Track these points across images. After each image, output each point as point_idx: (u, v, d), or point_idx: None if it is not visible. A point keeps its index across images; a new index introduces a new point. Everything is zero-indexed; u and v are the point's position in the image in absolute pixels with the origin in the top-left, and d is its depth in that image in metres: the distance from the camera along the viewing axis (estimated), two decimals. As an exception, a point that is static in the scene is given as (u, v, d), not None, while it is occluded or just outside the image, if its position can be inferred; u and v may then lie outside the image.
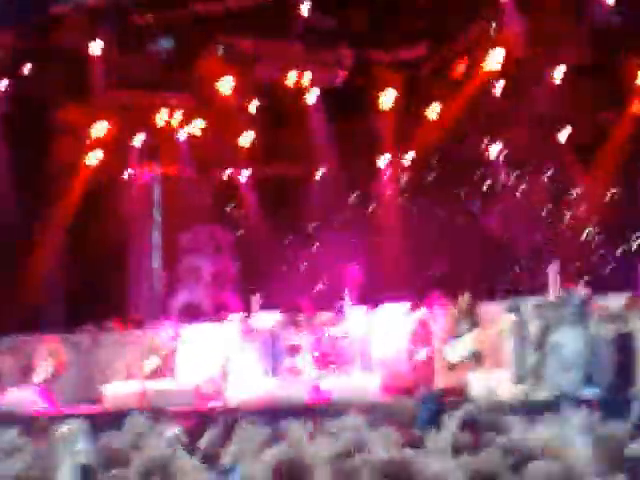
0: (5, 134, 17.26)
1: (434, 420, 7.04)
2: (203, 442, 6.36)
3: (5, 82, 17.29)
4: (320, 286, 17.75)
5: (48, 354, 14.33)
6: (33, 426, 11.35)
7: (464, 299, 12.52)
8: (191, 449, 6.48)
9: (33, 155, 17.06)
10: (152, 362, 14.26)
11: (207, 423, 10.30)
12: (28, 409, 13.14)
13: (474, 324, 12.24)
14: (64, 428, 5.18)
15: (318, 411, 10.33)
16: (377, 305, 14.26)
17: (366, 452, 4.79)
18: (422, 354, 13.00)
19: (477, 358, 12.15)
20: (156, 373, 14.18)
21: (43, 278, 17.14)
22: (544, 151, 16.92)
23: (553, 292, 13.25)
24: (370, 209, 18.31)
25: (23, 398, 13.65)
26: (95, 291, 16.41)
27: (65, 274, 17.58)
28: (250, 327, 14.53)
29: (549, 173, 17.04)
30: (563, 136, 16.81)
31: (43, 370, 14.17)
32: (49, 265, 17.34)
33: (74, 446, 4.76)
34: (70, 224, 17.45)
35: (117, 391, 13.72)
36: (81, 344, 15.01)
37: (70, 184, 17.49)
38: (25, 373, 14.36)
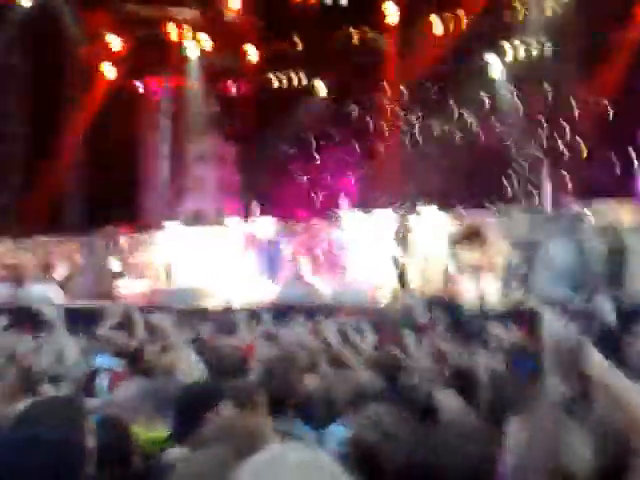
0: (24, 44, 17.69)
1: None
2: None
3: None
4: (318, 195, 18.29)
5: (66, 254, 15.07)
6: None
7: (461, 210, 12.66)
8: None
9: (51, 64, 17.43)
10: (116, 264, 14.93)
11: (204, 320, 11.11)
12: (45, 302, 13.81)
13: (471, 235, 12.15)
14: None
15: (315, 313, 10.08)
16: (371, 212, 14.58)
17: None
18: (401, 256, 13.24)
19: (473, 268, 12.03)
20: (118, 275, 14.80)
21: (61, 184, 17.68)
22: (543, 65, 17.00)
23: (547, 205, 13.59)
24: (370, 122, 18.55)
25: (42, 293, 14.05)
26: (108, 197, 16.80)
27: (81, 181, 18.15)
28: (250, 233, 15.18)
29: (548, 87, 17.07)
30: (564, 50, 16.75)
31: (61, 268, 14.95)
32: (66, 172, 17.88)
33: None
34: (86, 133, 17.94)
35: (128, 290, 14.26)
36: (95, 246, 15.67)
37: (85, 94, 17.92)
38: (45, 270, 15.19)
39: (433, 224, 13.86)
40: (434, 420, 3.50)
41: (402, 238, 12.75)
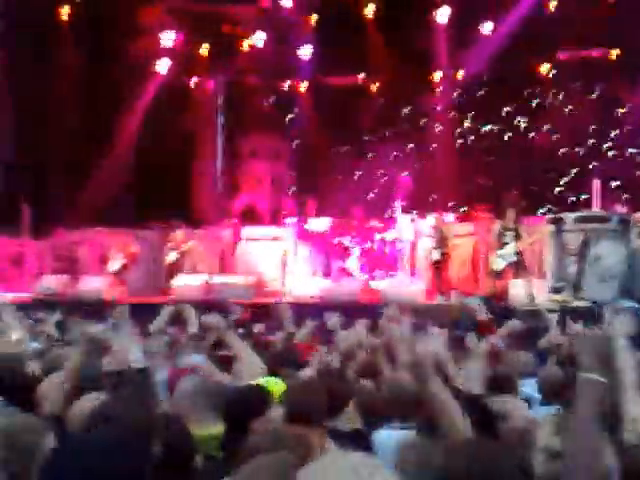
0: (78, 39, 17.98)
1: (475, 325, 7.59)
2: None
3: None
4: (372, 194, 18.27)
5: (120, 247, 15.26)
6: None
7: (509, 212, 12.64)
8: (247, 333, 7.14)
9: (106, 58, 17.68)
10: (171, 257, 14.95)
11: (262, 315, 11.19)
12: (100, 296, 13.83)
13: (517, 236, 12.35)
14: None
15: (368, 309, 10.24)
16: (425, 213, 14.81)
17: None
18: (436, 254, 13.49)
19: (519, 267, 12.28)
20: (174, 267, 14.78)
21: (115, 178, 17.91)
22: (593, 70, 16.96)
23: (595, 208, 13.68)
24: (422, 122, 18.60)
25: (97, 286, 14.35)
26: (162, 192, 16.89)
27: (135, 175, 18.38)
28: (305, 230, 15.29)
29: (597, 92, 17.17)
30: (612, 56, 16.85)
31: (116, 261, 15.15)
32: (121, 166, 18.12)
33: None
34: (139, 127, 18.14)
35: (183, 283, 14.21)
36: (149, 239, 15.91)
37: (140, 88, 18.14)
38: (100, 263, 15.34)
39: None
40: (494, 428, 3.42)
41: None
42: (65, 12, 18.06)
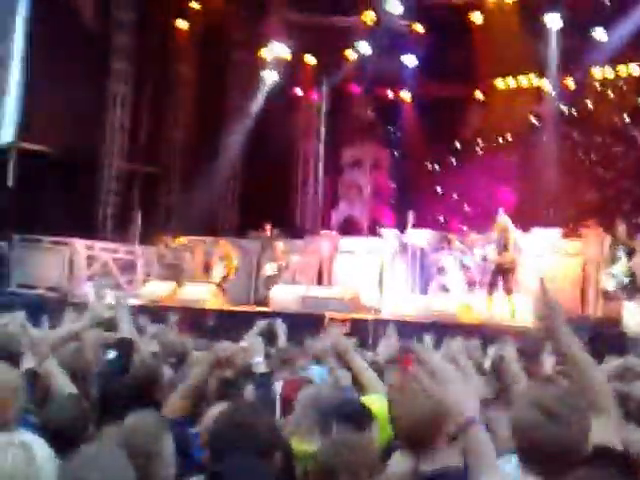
0: (189, 53, 18.44)
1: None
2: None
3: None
4: (472, 208, 18.02)
5: (222, 256, 15.50)
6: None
7: (621, 227, 12.09)
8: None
9: (215, 70, 18.05)
10: (271, 268, 15.10)
11: (360, 330, 11.14)
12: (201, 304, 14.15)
13: (630, 253, 11.75)
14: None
15: (468, 330, 9.88)
16: (529, 229, 14.18)
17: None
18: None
19: (633, 287, 11.61)
20: (271, 279, 14.92)
21: (222, 186, 18.29)
22: None
23: None
24: (527, 134, 18.21)
25: (199, 293, 14.67)
26: (264, 200, 17.11)
27: (241, 185, 18.72)
28: (403, 244, 15.06)
29: None
30: None
31: (218, 270, 15.44)
32: (225, 175, 18.49)
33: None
34: (246, 137, 18.42)
35: (281, 294, 14.36)
36: (250, 249, 16.10)
37: (248, 99, 18.43)
38: (204, 271, 15.65)
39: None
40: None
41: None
42: (184, 25, 18.54)
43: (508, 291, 12.93)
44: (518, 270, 13.36)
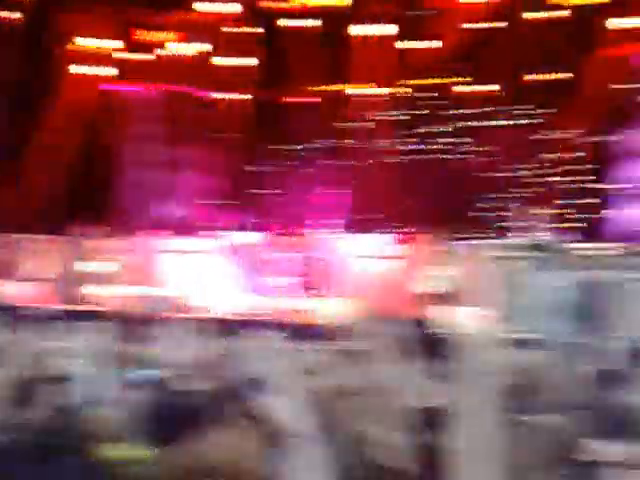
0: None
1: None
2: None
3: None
4: (305, 210, 17.92)
5: (30, 253, 14.70)
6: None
7: (435, 236, 12.69)
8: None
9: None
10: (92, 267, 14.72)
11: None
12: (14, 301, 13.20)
13: (443, 261, 12.33)
14: None
15: (294, 329, 10.46)
16: (357, 233, 14.69)
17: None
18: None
19: (445, 293, 12.07)
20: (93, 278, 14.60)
21: (46, 185, 17.38)
22: (515, 96, 17.09)
23: (518, 235, 13.48)
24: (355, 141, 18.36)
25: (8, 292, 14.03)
26: (87, 197, 16.59)
27: (63, 179, 17.82)
28: (234, 245, 14.89)
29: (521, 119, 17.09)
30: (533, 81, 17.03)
31: (25, 268, 14.55)
32: (53, 174, 17.55)
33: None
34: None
35: (96, 293, 14.10)
36: (65, 247, 15.32)
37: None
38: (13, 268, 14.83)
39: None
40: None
41: None
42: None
43: (334, 292, 13.31)
44: (345, 272, 13.78)
